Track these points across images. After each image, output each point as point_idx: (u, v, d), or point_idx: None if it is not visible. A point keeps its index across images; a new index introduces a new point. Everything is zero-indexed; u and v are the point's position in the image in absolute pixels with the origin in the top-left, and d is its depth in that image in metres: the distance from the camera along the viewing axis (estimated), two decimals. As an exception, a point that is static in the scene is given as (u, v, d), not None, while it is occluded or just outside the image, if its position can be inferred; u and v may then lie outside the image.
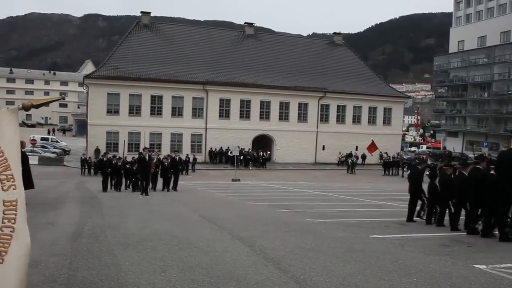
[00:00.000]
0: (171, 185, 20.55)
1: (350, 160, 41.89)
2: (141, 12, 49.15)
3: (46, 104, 4.25)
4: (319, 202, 16.55)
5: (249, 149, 43.93)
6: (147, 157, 18.24)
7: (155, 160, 20.77)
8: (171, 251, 6.74)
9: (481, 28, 64.27)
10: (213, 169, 39.45)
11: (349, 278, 5.42)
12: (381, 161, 42.28)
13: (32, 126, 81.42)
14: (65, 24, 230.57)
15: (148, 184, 18.20)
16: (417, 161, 11.83)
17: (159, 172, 21.31)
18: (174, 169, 20.95)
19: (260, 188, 23.99)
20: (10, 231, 3.37)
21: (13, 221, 3.42)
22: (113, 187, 21.02)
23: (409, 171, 11.81)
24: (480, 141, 60.77)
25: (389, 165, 41.42)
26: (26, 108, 4.05)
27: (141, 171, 18.22)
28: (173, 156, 22.75)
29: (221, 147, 43.41)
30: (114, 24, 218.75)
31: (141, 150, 20.92)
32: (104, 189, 20.28)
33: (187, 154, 37.87)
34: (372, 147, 42.17)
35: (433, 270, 5.91)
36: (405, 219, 11.20)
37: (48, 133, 64.27)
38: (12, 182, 3.54)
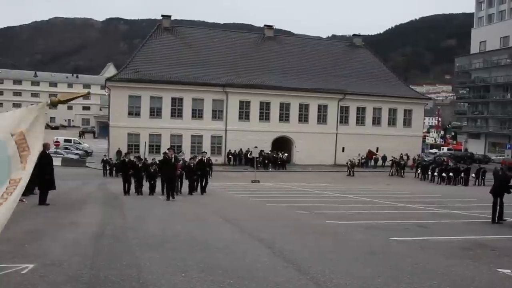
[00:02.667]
0: (199, 188, 19.37)
1: (348, 161, 40.23)
2: (162, 15, 49.62)
3: (73, 99, 4.42)
4: (338, 204, 16.46)
5: (270, 151, 43.93)
6: (172, 158, 16.75)
7: (181, 162, 19.42)
8: (191, 252, 6.80)
9: (504, 28, 63.06)
10: (232, 171, 39.54)
11: (369, 280, 5.40)
12: (402, 161, 41.40)
13: (56, 128, 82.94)
14: (88, 28, 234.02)
15: (174, 188, 16.82)
16: (502, 168, 12.38)
17: (184, 175, 20.07)
18: (202, 171, 19.44)
19: (279, 190, 23.95)
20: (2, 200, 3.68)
21: (10, 194, 3.76)
22: (136, 190, 19.27)
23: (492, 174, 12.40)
24: (503, 143, 59.62)
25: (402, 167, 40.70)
26: (53, 103, 4.24)
27: (164, 174, 16.84)
28: (200, 157, 20.35)
29: (241, 149, 43.53)
30: (135, 28, 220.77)
31: (165, 151, 18.86)
32: (126, 191, 18.90)
33: (209, 157, 37.93)
34: (370, 153, 42.28)
35: (455, 274, 5.84)
36: (422, 221, 11.09)
37: (80, 136, 65.64)
38: (24, 164, 3.85)
